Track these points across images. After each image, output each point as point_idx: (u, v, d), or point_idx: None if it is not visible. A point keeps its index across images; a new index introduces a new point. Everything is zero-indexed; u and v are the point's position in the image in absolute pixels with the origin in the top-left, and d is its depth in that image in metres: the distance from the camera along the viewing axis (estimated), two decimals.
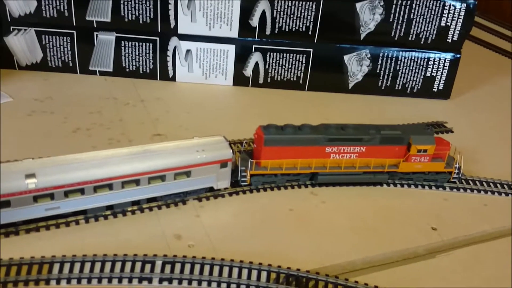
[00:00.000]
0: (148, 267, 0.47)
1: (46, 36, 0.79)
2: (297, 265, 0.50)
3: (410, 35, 0.81)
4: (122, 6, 0.77)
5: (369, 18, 0.79)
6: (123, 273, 0.46)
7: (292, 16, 0.79)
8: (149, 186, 0.53)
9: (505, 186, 0.64)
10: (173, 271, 0.47)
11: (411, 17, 0.80)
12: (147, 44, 0.81)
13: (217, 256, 0.49)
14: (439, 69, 0.84)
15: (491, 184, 0.64)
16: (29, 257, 0.47)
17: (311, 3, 0.78)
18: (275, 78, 0.84)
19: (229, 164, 0.57)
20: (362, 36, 0.81)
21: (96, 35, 0.80)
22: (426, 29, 0.81)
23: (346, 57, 0.83)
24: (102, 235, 0.51)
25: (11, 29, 0.78)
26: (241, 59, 0.83)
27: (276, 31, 0.80)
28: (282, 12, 0.79)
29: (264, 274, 0.48)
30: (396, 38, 0.81)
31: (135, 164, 0.51)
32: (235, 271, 0.48)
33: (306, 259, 0.51)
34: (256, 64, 0.83)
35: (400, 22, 0.80)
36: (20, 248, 0.48)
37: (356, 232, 0.55)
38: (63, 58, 0.81)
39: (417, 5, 0.79)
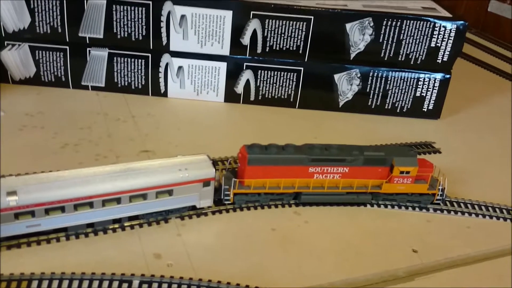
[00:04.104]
0: (125, 286, 0.47)
1: (40, 51, 0.80)
2: (276, 286, 0.50)
3: (400, 55, 0.82)
4: (114, 23, 0.78)
5: (359, 38, 0.80)
6: None
7: (283, 35, 0.80)
8: (130, 204, 0.53)
9: (489, 208, 0.64)
10: None
11: (401, 37, 0.80)
12: (139, 60, 0.82)
13: (195, 276, 0.50)
14: (429, 89, 0.84)
15: (476, 206, 0.64)
16: (8, 274, 0.47)
17: (301, 22, 0.79)
18: (266, 96, 0.85)
19: (211, 183, 0.57)
20: (352, 55, 0.81)
21: (89, 51, 0.81)
22: (416, 49, 0.81)
23: (336, 76, 0.83)
24: (83, 252, 0.51)
25: (5, 44, 0.80)
26: (232, 76, 0.83)
27: (267, 50, 0.81)
28: (273, 31, 0.79)
29: None
30: (386, 58, 0.82)
31: (116, 182, 0.52)
32: None
33: (285, 280, 0.51)
34: (247, 81, 0.84)
35: (390, 42, 0.81)
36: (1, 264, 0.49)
37: (337, 253, 0.56)
38: (56, 73, 0.82)
39: (407, 26, 0.80)
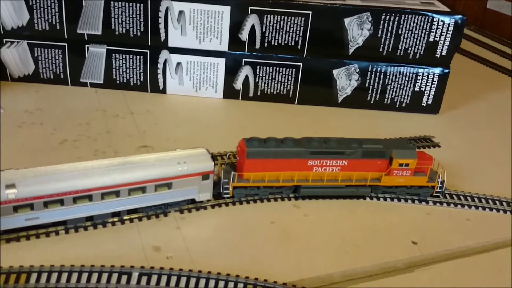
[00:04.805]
0: (124, 278, 0.47)
1: (38, 49, 0.81)
2: (275, 278, 0.50)
3: (399, 50, 0.82)
4: (113, 19, 0.78)
5: (357, 33, 0.80)
6: (99, 284, 0.46)
7: (281, 30, 0.80)
8: (129, 197, 0.53)
9: (489, 201, 0.64)
10: (149, 282, 0.47)
11: (399, 32, 0.80)
12: (138, 56, 0.82)
13: (195, 268, 0.50)
14: (427, 84, 0.84)
15: (475, 199, 0.64)
16: (7, 267, 0.47)
17: (300, 18, 0.79)
18: (265, 92, 0.85)
19: (210, 176, 0.57)
20: (351, 51, 0.81)
21: (87, 47, 0.81)
22: (414, 44, 0.81)
23: (335, 71, 0.83)
24: (82, 246, 0.51)
25: (4, 42, 0.80)
26: (231, 72, 0.83)
27: (265, 45, 0.81)
28: (271, 27, 0.80)
29: (240, 287, 0.48)
30: (384, 53, 0.82)
31: (115, 175, 0.52)
32: (212, 283, 0.48)
33: (284, 272, 0.51)
34: (246, 77, 0.84)
35: (388, 37, 0.81)
36: None
37: (336, 245, 0.55)
38: (54, 70, 0.82)
39: (405, 21, 0.80)
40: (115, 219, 0.54)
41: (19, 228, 0.50)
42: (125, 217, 0.55)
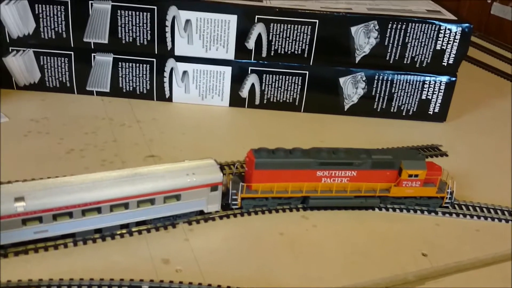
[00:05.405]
0: None
1: (44, 57, 0.80)
2: None
3: (405, 59, 0.81)
4: (119, 28, 0.78)
5: (364, 41, 0.80)
6: None
7: (287, 39, 0.80)
8: (138, 209, 0.53)
9: (498, 211, 0.64)
10: None
11: (406, 40, 0.80)
12: (144, 65, 0.81)
13: (204, 281, 0.49)
14: (434, 92, 0.84)
15: (484, 209, 0.64)
16: (16, 281, 0.47)
17: (306, 26, 0.79)
18: (271, 100, 0.85)
19: (219, 188, 0.57)
20: (358, 59, 0.81)
21: (94, 56, 0.80)
22: (421, 52, 0.81)
23: (341, 80, 0.83)
24: (91, 258, 0.51)
25: (10, 50, 0.80)
26: (237, 81, 0.83)
27: (272, 54, 0.81)
28: (277, 35, 0.79)
29: None
30: (391, 62, 0.82)
31: (124, 187, 0.52)
32: None
33: (294, 284, 0.51)
34: (252, 85, 0.83)
35: (395, 45, 0.80)
36: (8, 271, 0.48)
37: (346, 257, 0.55)
38: (60, 79, 0.82)
39: (412, 29, 0.79)
40: (124, 231, 0.54)
41: (28, 241, 0.50)
42: (133, 229, 0.54)
